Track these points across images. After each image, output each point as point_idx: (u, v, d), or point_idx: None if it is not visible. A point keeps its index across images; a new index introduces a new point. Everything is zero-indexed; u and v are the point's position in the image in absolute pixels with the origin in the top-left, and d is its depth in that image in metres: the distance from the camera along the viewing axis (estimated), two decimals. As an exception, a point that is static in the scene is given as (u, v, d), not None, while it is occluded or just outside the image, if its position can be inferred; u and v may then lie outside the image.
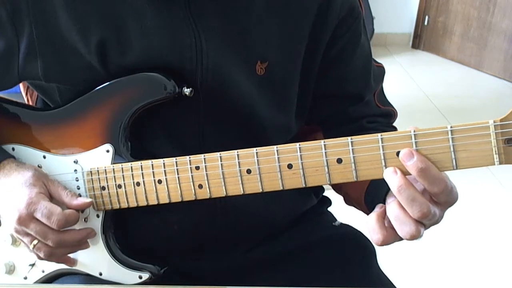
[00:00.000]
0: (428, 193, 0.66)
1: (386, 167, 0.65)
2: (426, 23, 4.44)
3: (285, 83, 0.86)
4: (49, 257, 0.80)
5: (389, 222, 0.68)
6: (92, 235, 0.82)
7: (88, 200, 0.81)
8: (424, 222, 0.67)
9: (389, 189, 0.77)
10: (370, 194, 0.83)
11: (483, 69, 4.09)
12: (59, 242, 0.78)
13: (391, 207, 0.67)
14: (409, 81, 3.89)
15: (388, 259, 1.17)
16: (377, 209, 0.71)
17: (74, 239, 0.80)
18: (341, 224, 1.00)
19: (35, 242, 0.78)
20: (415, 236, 0.67)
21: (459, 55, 4.24)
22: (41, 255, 0.80)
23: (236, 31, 0.81)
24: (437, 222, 0.69)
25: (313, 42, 0.86)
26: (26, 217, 0.76)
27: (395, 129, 0.96)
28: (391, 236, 0.69)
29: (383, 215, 0.70)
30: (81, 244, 0.82)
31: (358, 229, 0.98)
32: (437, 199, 0.66)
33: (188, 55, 0.78)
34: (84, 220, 0.83)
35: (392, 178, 0.65)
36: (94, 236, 0.82)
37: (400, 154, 0.64)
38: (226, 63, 0.80)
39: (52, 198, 0.80)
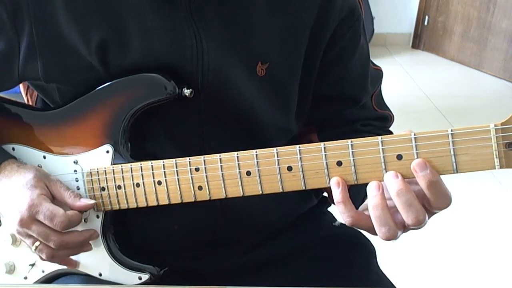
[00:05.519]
0: (428, 204, 0.65)
1: (386, 170, 0.65)
2: (426, 23, 4.44)
3: (286, 84, 0.86)
4: (51, 258, 0.80)
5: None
6: (94, 236, 0.82)
7: (92, 201, 0.80)
8: (410, 228, 0.66)
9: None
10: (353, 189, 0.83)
11: (483, 69, 4.09)
12: (61, 244, 0.78)
13: (375, 207, 0.65)
14: (409, 81, 3.89)
15: (388, 259, 1.17)
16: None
17: (76, 241, 0.80)
18: (341, 224, 1.00)
19: (37, 243, 0.78)
20: (392, 239, 0.66)
21: (459, 55, 4.24)
22: (43, 256, 0.80)
23: (237, 32, 0.80)
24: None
25: (314, 43, 0.85)
26: (28, 219, 0.76)
27: (390, 133, 0.96)
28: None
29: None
30: (83, 246, 0.82)
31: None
32: (431, 209, 0.66)
33: (189, 56, 0.78)
34: (84, 220, 0.83)
35: (392, 182, 0.64)
36: (97, 237, 0.82)
37: (413, 163, 0.63)
38: (226, 64, 0.80)
39: (54, 199, 0.80)
